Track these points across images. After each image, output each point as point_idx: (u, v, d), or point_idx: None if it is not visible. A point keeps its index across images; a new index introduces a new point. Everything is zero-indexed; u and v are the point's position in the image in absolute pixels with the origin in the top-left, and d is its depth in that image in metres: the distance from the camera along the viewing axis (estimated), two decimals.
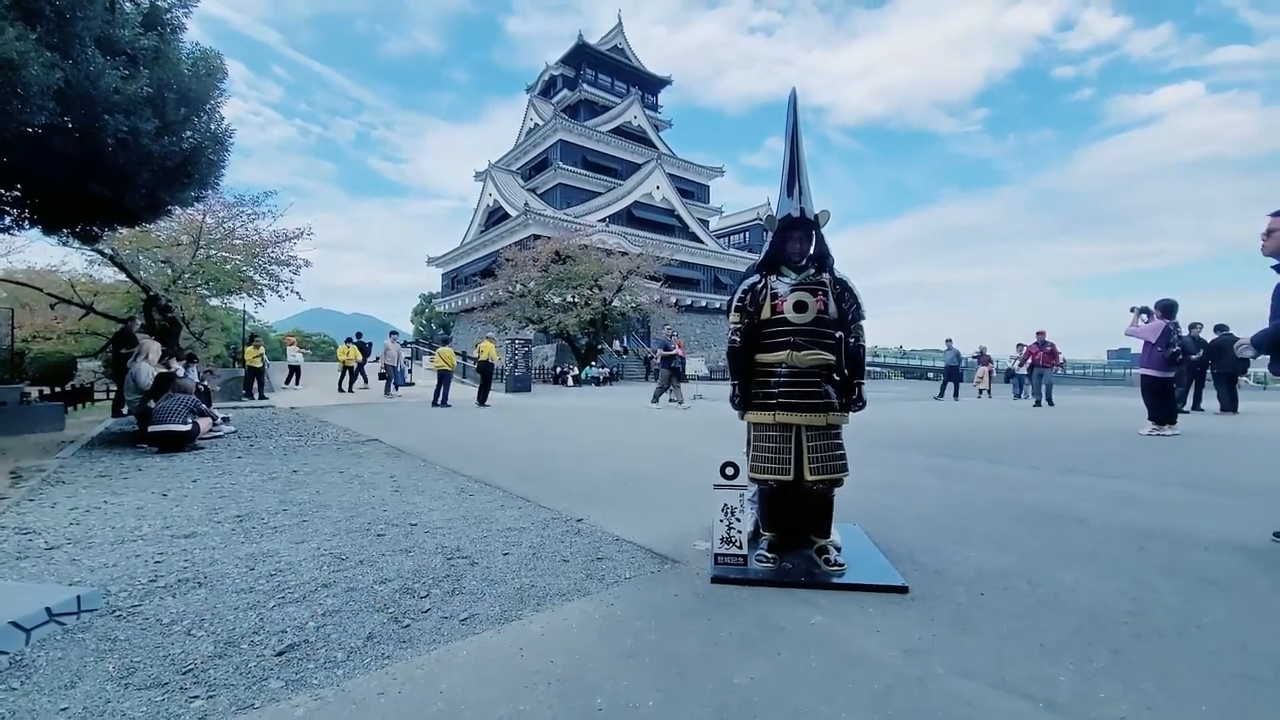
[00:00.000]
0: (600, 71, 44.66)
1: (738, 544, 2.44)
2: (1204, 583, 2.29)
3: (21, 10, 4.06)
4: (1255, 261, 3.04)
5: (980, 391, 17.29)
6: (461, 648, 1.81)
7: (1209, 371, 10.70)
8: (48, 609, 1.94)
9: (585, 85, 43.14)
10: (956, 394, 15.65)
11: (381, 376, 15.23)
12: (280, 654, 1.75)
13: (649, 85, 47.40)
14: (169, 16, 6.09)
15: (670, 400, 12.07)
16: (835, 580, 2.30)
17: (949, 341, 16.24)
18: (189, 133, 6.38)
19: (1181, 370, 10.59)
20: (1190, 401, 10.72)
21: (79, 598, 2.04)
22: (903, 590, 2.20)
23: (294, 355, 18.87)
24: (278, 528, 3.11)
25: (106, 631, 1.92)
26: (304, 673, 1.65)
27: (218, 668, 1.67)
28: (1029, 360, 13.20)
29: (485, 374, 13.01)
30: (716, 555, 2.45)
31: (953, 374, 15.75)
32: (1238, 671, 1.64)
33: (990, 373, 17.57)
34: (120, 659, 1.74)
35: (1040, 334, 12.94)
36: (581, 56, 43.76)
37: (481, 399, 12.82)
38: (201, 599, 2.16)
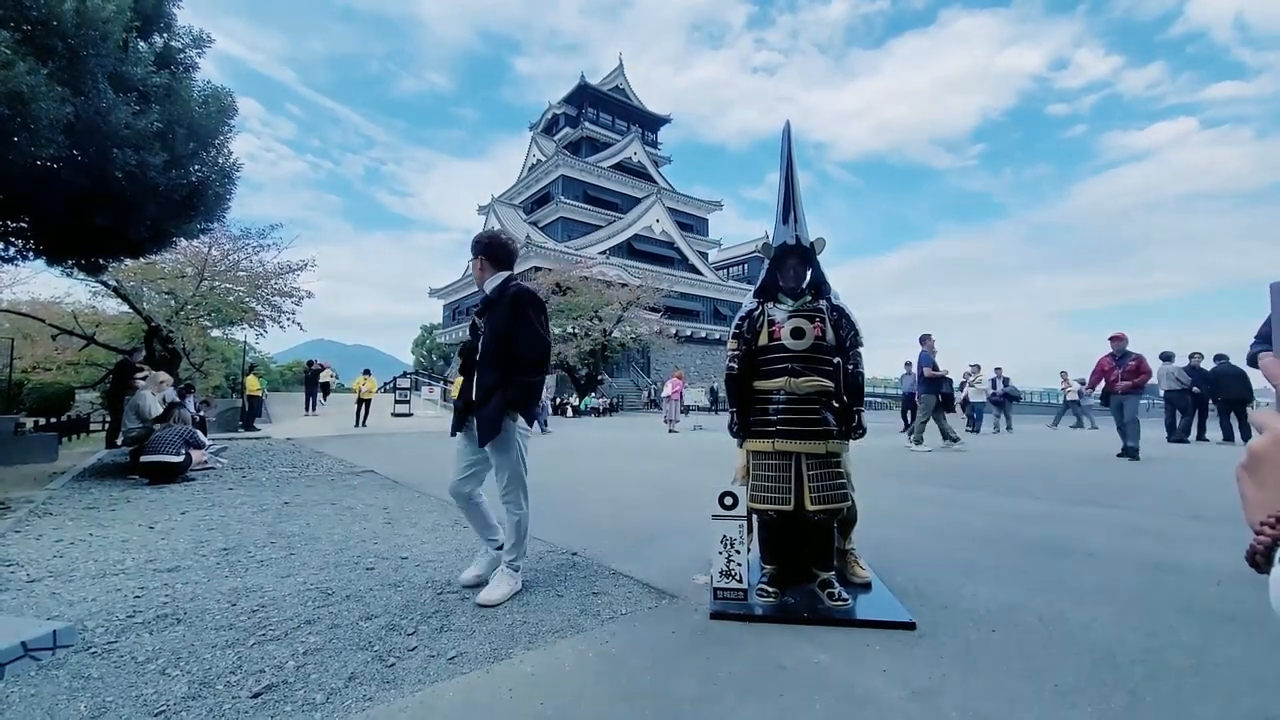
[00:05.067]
0: (601, 110, 45.91)
1: (737, 577, 2.37)
2: (1219, 618, 2.21)
3: (33, 46, 4.17)
4: (1253, 295, 3.04)
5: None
6: (448, 688, 1.73)
7: (1212, 401, 10.61)
8: (23, 643, 1.88)
9: (587, 123, 44.28)
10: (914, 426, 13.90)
11: None
12: (256, 695, 1.67)
13: (649, 123, 48.67)
14: (182, 56, 6.28)
15: (947, 441, 9.06)
16: (839, 616, 2.22)
17: (909, 365, 13.89)
18: (197, 166, 6.50)
19: (1187, 400, 10.53)
20: (1195, 431, 10.62)
21: (55, 633, 1.97)
22: (910, 627, 2.12)
23: (325, 375, 21.22)
24: (264, 561, 3.03)
25: (80, 669, 1.84)
26: (280, 716, 1.57)
27: (190, 710, 1.59)
28: (1099, 382, 8.12)
29: None
30: (715, 590, 2.38)
31: (911, 402, 13.46)
32: (1258, 711, 1.56)
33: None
34: (92, 698, 1.66)
35: (1117, 339, 7.83)
36: (584, 96, 45.05)
37: None
38: (179, 636, 2.08)
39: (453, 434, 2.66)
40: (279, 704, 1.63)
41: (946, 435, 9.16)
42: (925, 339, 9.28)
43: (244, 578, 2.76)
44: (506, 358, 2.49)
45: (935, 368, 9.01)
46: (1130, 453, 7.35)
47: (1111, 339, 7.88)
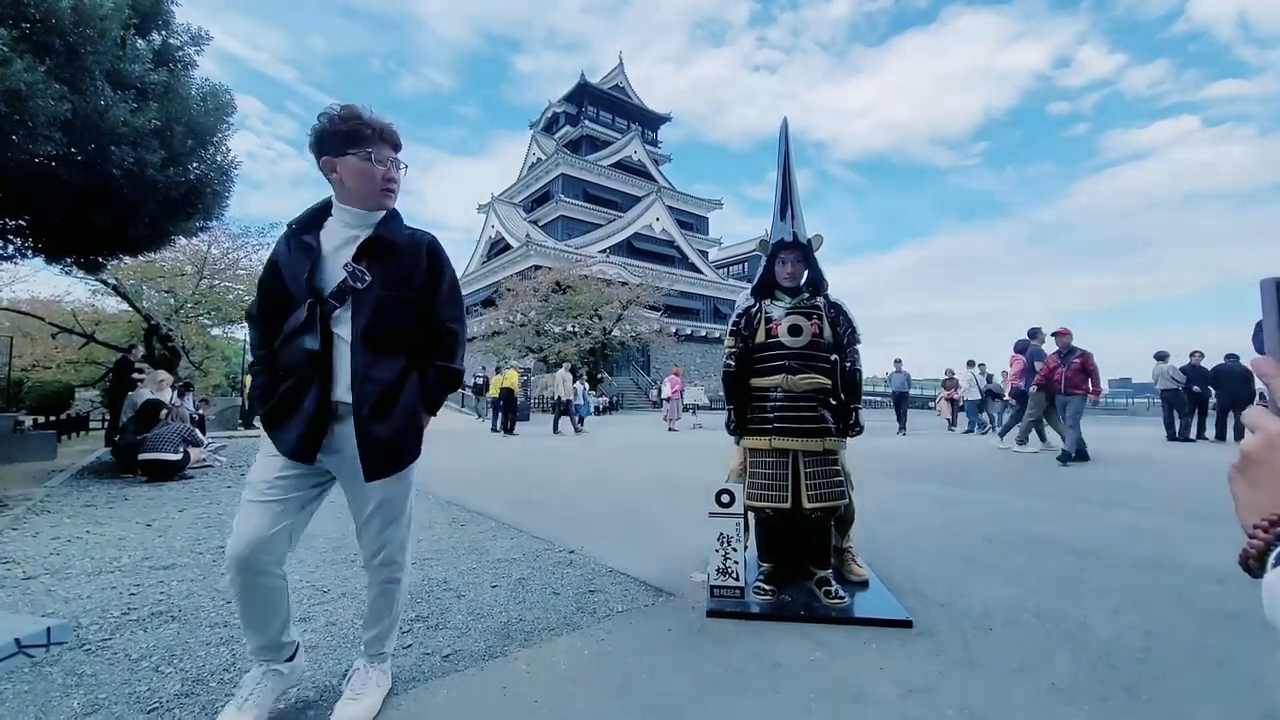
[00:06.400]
0: (601, 109, 45.85)
1: (734, 575, 2.36)
2: (1217, 617, 2.20)
3: (31, 43, 4.17)
4: (1255, 293, 3.02)
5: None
6: (441, 686, 1.72)
7: (1211, 401, 10.56)
8: (17, 640, 1.87)
9: (587, 122, 44.23)
10: (904, 425, 12.77)
11: (562, 411, 13.27)
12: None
13: (649, 122, 48.62)
14: (180, 54, 6.27)
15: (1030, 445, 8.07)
16: (836, 614, 2.21)
17: (898, 363, 13.42)
18: (195, 164, 6.48)
19: (1183, 399, 10.50)
20: (1194, 430, 10.58)
21: (49, 629, 1.97)
22: (907, 625, 2.11)
23: None
24: None
25: (74, 666, 1.84)
26: (273, 714, 1.56)
27: (183, 707, 1.59)
28: (1046, 379, 7.57)
29: (509, 401, 13.08)
30: (712, 587, 2.37)
31: (902, 400, 13.05)
32: (1255, 710, 1.55)
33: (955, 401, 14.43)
34: (86, 695, 1.66)
35: (1061, 335, 7.37)
36: (584, 95, 45.00)
37: (509, 428, 12.90)
38: (173, 633, 2.08)
39: (295, 455, 1.48)
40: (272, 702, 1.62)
41: (1037, 438, 8.42)
42: (1035, 334, 8.62)
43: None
44: (414, 335, 1.61)
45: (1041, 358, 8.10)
46: (1065, 457, 6.91)
47: (1055, 334, 7.40)
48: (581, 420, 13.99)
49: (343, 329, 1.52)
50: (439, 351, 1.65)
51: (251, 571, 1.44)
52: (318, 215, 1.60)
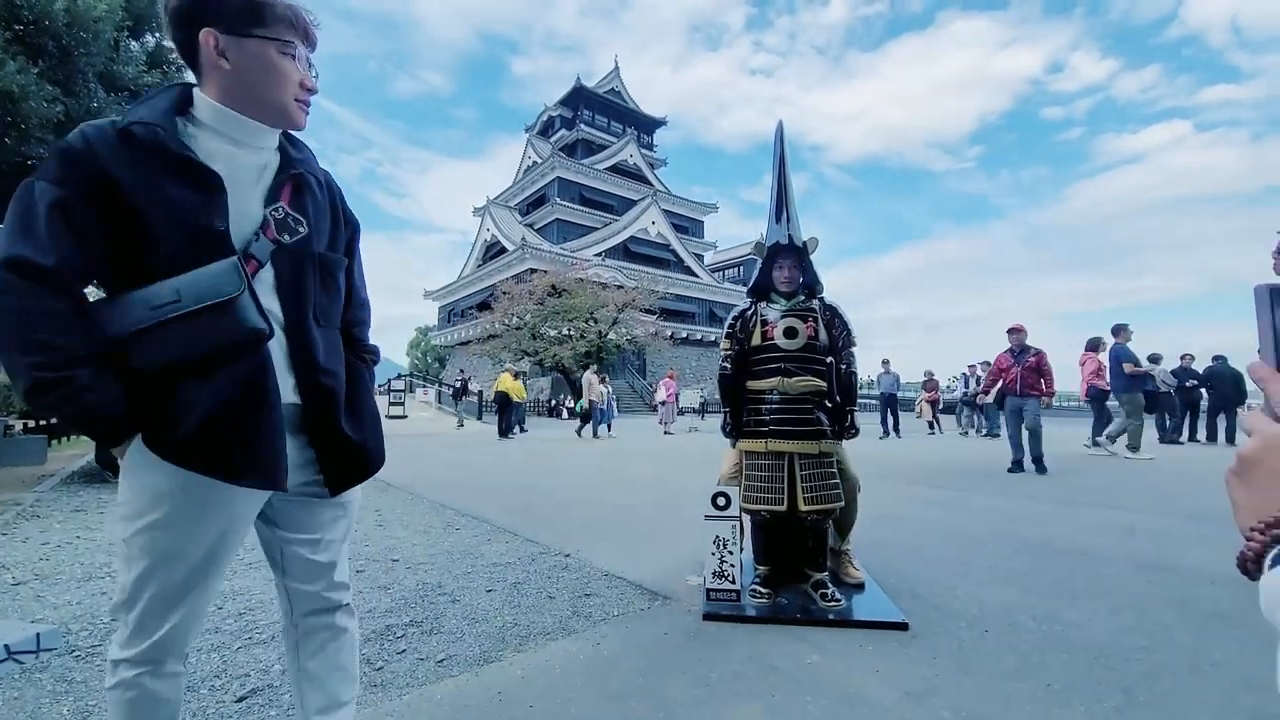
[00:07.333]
0: (597, 112, 45.97)
1: (730, 578, 2.35)
2: (1213, 618, 2.21)
3: (24, 45, 4.15)
4: (1247, 297, 3.04)
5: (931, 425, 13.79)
6: (435, 691, 1.71)
7: (1203, 402, 10.63)
8: (6, 646, 1.86)
9: (583, 125, 44.32)
10: (898, 428, 12.51)
11: (585, 416, 12.99)
12: (241, 700, 1.64)
13: (644, 125, 48.78)
14: (174, 56, 6.26)
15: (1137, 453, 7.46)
16: (832, 617, 2.21)
17: (886, 363, 13.29)
18: None
19: (1174, 401, 10.57)
20: (1186, 432, 10.66)
21: (38, 636, 1.95)
22: (903, 627, 2.11)
23: None
24: (253, 563, 2.99)
25: (64, 672, 1.82)
26: None
27: None
28: (996, 383, 7.01)
29: (502, 406, 13.00)
30: (709, 591, 2.36)
31: (891, 403, 12.82)
32: (1253, 710, 1.55)
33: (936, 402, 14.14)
34: (76, 701, 1.64)
35: (1015, 332, 6.82)
36: (579, 98, 45.11)
37: (503, 431, 12.81)
38: None
39: (270, 482, 1.00)
40: (264, 708, 1.61)
41: (1136, 445, 7.71)
42: (1120, 330, 7.98)
43: (231, 580, 2.72)
44: (337, 307, 1.19)
45: (1136, 363, 7.69)
46: (1038, 463, 6.40)
47: (1009, 331, 6.85)
48: (609, 426, 13.55)
49: (267, 299, 1.02)
50: (361, 329, 1.28)
51: (174, 662, 1.01)
52: (170, 115, 0.99)
